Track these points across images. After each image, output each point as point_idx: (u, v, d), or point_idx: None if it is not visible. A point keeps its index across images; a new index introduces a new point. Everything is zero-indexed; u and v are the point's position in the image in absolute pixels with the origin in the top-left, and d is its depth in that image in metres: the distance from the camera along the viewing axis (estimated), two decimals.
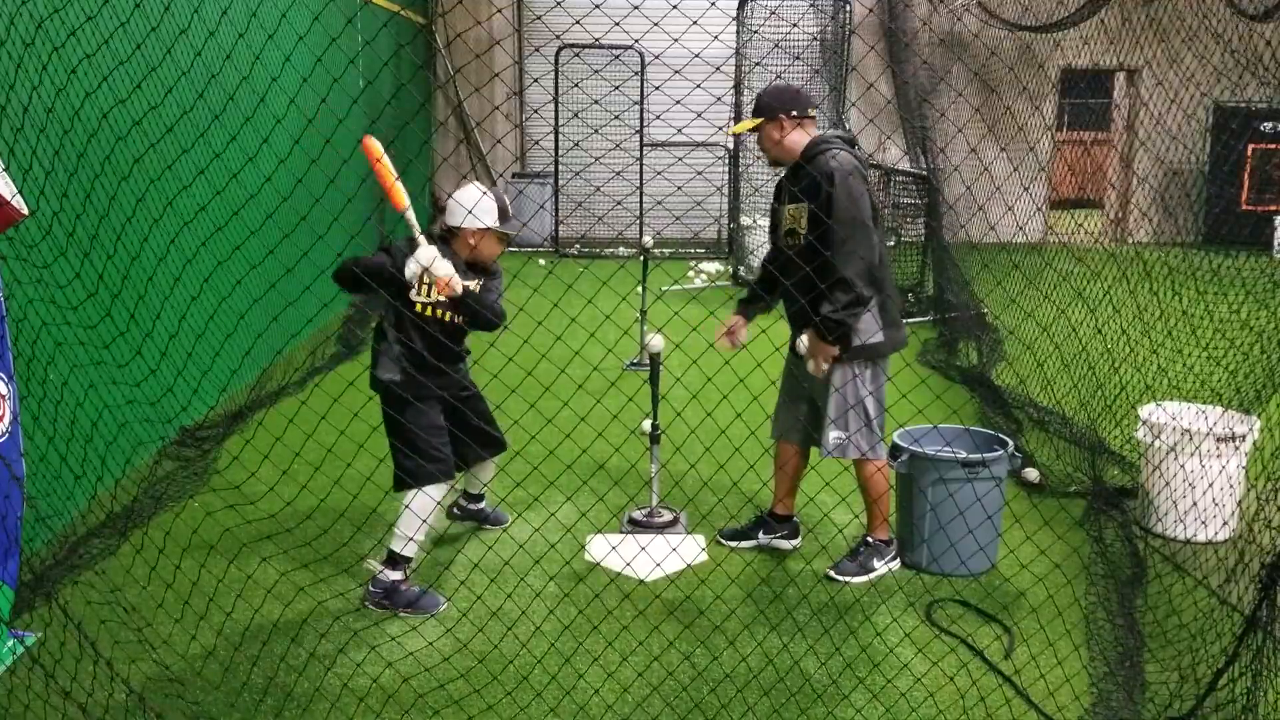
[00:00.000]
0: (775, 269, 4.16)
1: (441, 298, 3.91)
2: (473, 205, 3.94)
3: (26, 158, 3.83)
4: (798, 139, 4.11)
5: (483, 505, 4.73)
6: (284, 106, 3.92)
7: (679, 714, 3.24)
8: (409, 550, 3.94)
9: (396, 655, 3.56)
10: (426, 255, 3.65)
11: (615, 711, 3.26)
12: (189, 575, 3.93)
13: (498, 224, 3.98)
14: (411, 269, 3.70)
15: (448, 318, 4.01)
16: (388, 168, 3.66)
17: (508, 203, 4.07)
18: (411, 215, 3.78)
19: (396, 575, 3.94)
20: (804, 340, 4.05)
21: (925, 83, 10.28)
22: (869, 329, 4.02)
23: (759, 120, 4.13)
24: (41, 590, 3.84)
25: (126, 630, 3.59)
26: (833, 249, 3.84)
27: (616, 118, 10.57)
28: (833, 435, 4.12)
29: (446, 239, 4.00)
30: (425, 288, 3.91)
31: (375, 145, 3.65)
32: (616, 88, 11.02)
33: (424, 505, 3.91)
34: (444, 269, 3.68)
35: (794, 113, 4.09)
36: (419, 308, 3.94)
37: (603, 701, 3.32)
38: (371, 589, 3.95)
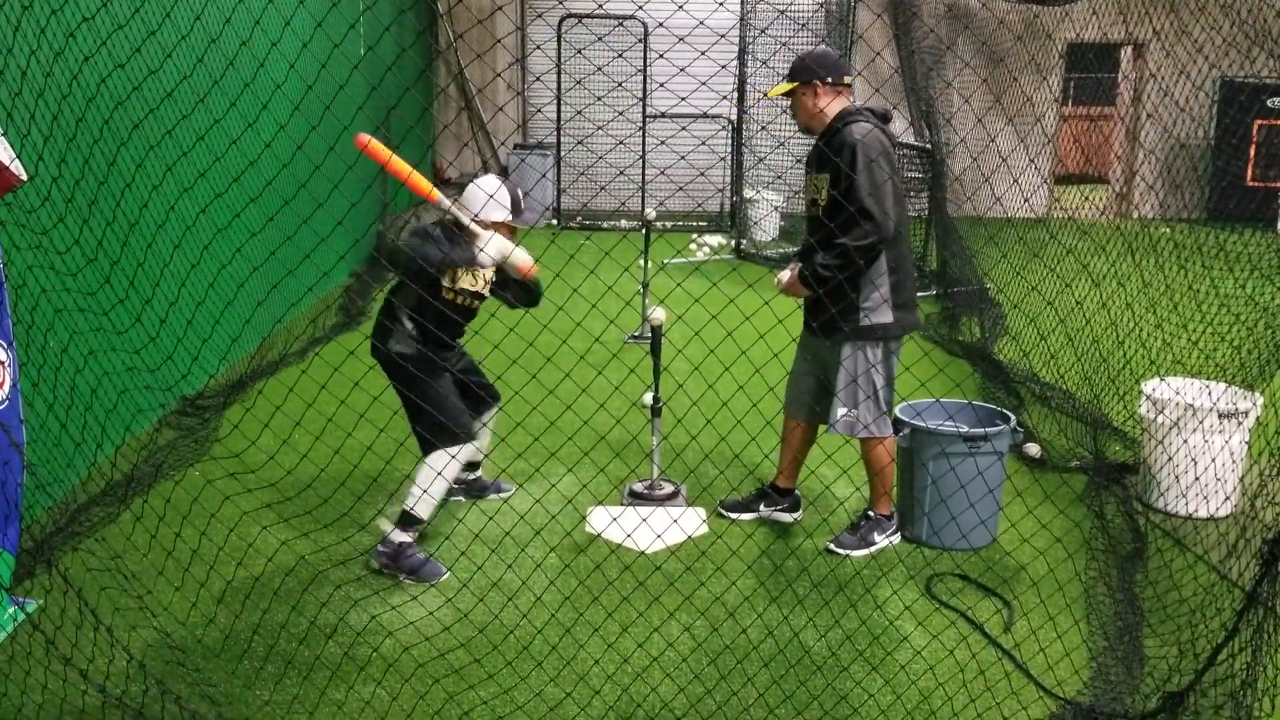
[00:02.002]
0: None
1: (472, 288, 4.09)
2: (486, 202, 3.98)
3: (25, 122, 3.80)
4: (831, 107, 4.06)
5: (479, 474, 4.73)
6: (284, 72, 3.88)
7: (679, 685, 3.25)
8: (423, 510, 3.95)
9: (397, 625, 3.56)
10: (503, 244, 3.80)
11: (615, 682, 3.27)
12: (190, 543, 3.93)
13: (511, 217, 4.04)
14: (489, 256, 3.80)
15: (466, 302, 4.14)
16: (399, 163, 3.73)
17: (520, 195, 4.09)
18: (441, 196, 3.79)
19: (406, 537, 3.95)
20: (786, 273, 4.09)
21: (931, 54, 10.19)
22: (879, 310, 4.00)
23: (793, 85, 4.09)
24: (42, 557, 3.84)
25: (127, 598, 3.60)
26: (842, 222, 3.82)
27: (619, 85, 10.48)
28: (840, 413, 4.11)
29: (458, 225, 4.00)
30: (453, 275, 4.01)
31: (378, 146, 3.69)
32: (620, 55, 10.92)
33: (444, 464, 3.96)
34: (524, 255, 3.76)
35: (829, 80, 4.04)
36: (446, 293, 3.99)
37: (603, 672, 3.32)
38: (380, 548, 3.96)
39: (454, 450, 3.99)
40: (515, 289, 4.19)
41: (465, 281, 4.07)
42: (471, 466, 4.70)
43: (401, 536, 3.95)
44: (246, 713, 3.09)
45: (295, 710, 3.11)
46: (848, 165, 3.85)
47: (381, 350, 4.00)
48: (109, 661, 3.06)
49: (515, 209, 4.07)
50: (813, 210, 4.10)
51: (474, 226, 3.84)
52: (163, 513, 4.18)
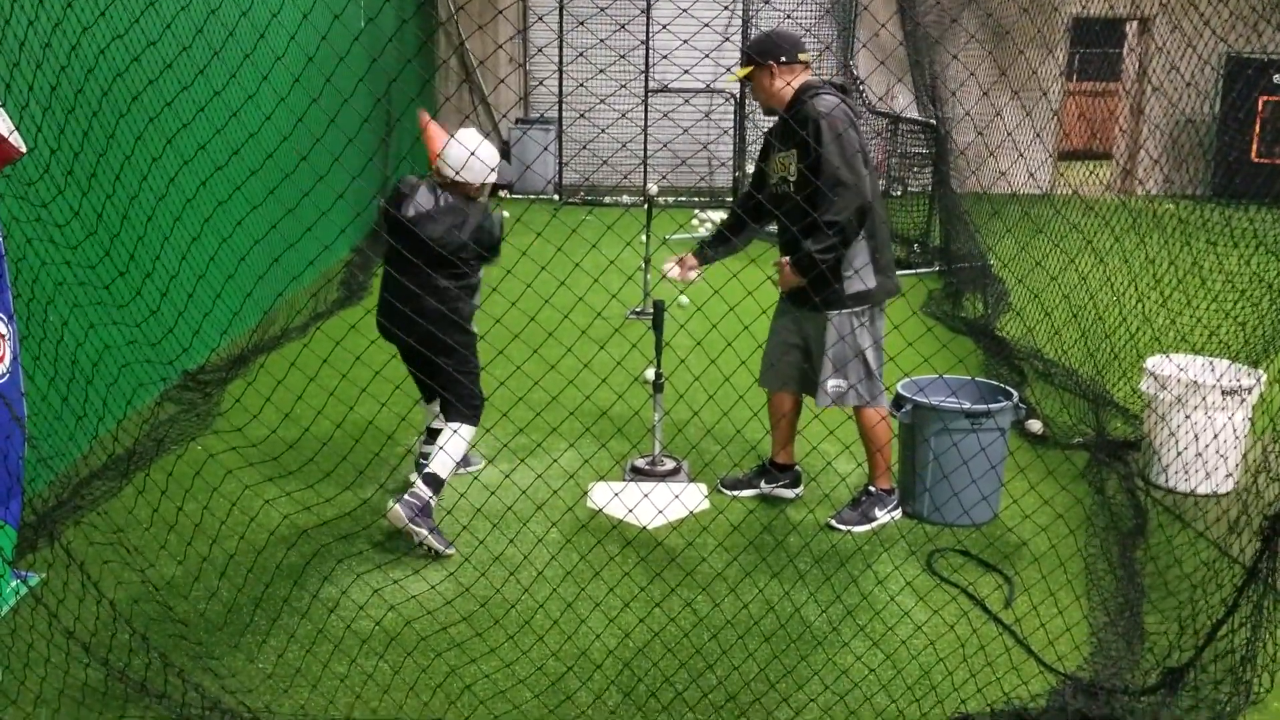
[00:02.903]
0: (752, 216, 4.26)
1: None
2: (472, 155, 4.02)
3: (23, 94, 3.77)
4: (788, 87, 4.07)
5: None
6: (284, 43, 3.85)
7: (680, 659, 3.26)
8: (448, 475, 4.02)
9: (400, 598, 3.57)
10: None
11: (617, 656, 3.28)
12: (192, 517, 3.94)
13: (494, 180, 4.13)
14: (448, 166, 4.02)
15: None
16: (438, 131, 3.87)
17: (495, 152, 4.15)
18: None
19: (432, 497, 3.94)
20: (776, 267, 4.08)
21: (935, 27, 10.11)
22: (863, 274, 4.00)
23: (749, 68, 4.10)
24: (44, 531, 3.84)
25: (129, 571, 3.60)
26: (820, 193, 3.80)
27: (622, 57, 10.42)
28: (831, 384, 4.10)
29: (447, 186, 4.05)
30: None
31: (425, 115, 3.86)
32: (623, 26, 10.86)
33: (470, 435, 4.17)
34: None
35: (783, 59, 4.05)
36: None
37: (604, 646, 3.33)
38: (411, 500, 3.89)
39: (475, 426, 4.15)
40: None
41: None
42: (434, 435, 4.69)
43: (431, 494, 3.94)
44: (249, 685, 3.10)
45: (298, 683, 3.12)
46: (814, 139, 3.84)
47: (437, 331, 4.02)
48: (111, 635, 3.07)
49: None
50: (782, 188, 4.09)
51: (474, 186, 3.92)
52: (165, 486, 4.18)
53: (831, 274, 3.95)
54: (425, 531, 3.86)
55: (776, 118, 4.20)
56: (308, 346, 3.73)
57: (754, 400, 4.45)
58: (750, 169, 11.53)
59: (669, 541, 4.06)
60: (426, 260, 4.00)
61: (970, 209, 8.41)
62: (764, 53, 4.07)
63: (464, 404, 4.16)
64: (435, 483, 3.95)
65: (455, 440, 4.04)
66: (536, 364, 5.03)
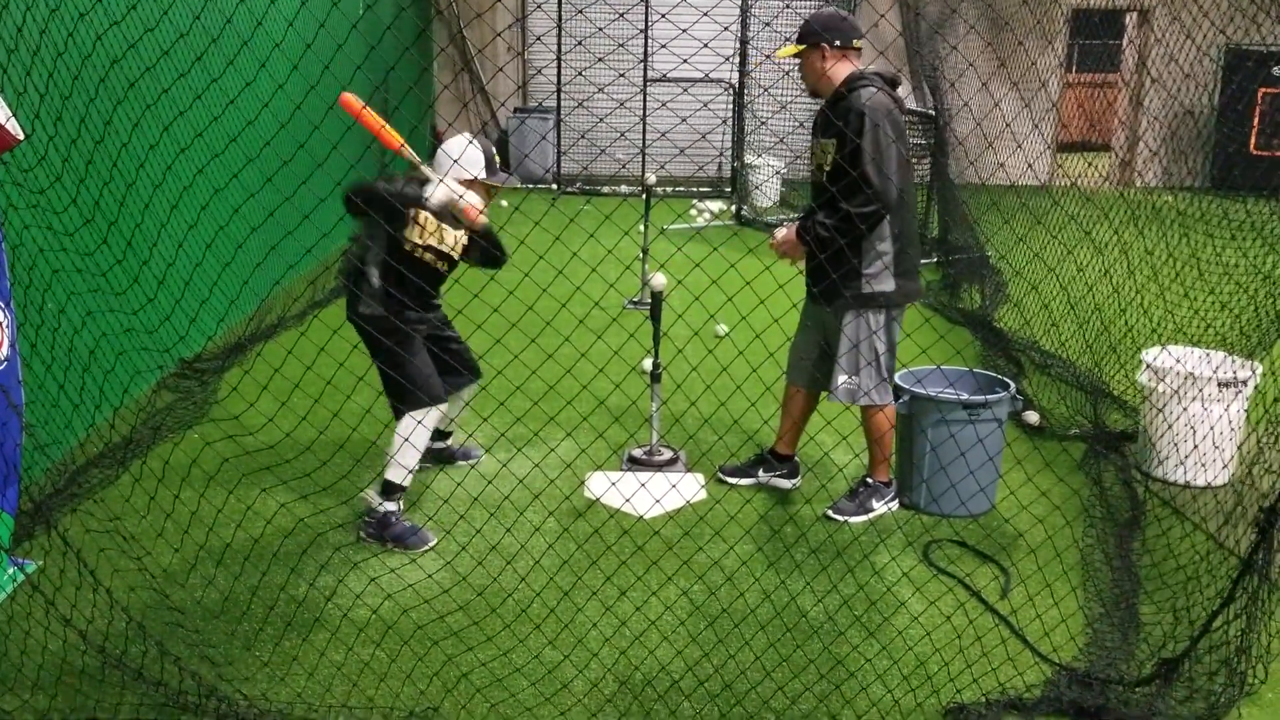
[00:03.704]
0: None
1: (432, 242, 3.96)
2: (459, 155, 3.93)
3: (20, 80, 3.76)
4: (838, 71, 4.01)
5: (449, 443, 4.74)
6: (282, 30, 3.84)
7: (676, 649, 3.26)
8: (397, 476, 3.94)
9: (396, 587, 3.57)
10: (446, 189, 3.67)
11: (613, 645, 3.28)
12: (188, 505, 3.94)
13: (484, 175, 3.96)
14: (435, 201, 3.70)
15: (434, 261, 4.06)
16: (372, 115, 3.71)
17: (494, 153, 4.04)
18: (410, 151, 3.74)
19: (391, 506, 3.95)
20: (782, 230, 4.07)
21: (935, 17, 10.09)
22: (881, 277, 3.99)
23: (801, 47, 4.04)
24: (41, 519, 3.84)
25: (126, 559, 3.60)
26: (845, 187, 3.78)
27: (621, 46, 10.38)
28: (841, 380, 4.10)
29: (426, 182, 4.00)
30: (420, 229, 3.90)
31: (353, 100, 3.73)
32: (622, 15, 10.81)
33: (411, 429, 3.92)
34: (473, 198, 3.70)
35: (838, 43, 3.99)
36: (409, 247, 3.93)
37: (601, 635, 3.34)
38: (366, 519, 3.97)
39: (420, 415, 3.94)
40: (475, 247, 4.11)
41: (433, 238, 3.97)
42: (441, 435, 4.68)
43: (388, 505, 3.94)
44: (246, 674, 3.11)
45: (294, 671, 3.13)
46: (854, 131, 3.81)
47: (362, 315, 3.97)
48: (108, 622, 3.07)
49: (490, 167, 3.99)
50: (818, 176, 4.07)
51: (430, 174, 3.79)
52: (161, 475, 4.19)
53: (850, 271, 3.94)
54: (390, 545, 3.90)
55: (820, 100, 4.13)
56: (305, 335, 3.73)
57: (751, 390, 4.45)
58: (749, 158, 11.51)
59: (666, 531, 4.07)
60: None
61: (968, 200, 8.41)
62: (817, 34, 3.99)
63: (399, 398, 3.98)
64: (389, 489, 3.95)
65: (395, 437, 3.96)
66: (534, 353, 5.03)
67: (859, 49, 4.05)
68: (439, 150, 3.99)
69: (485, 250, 4.09)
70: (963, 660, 3.20)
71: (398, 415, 4.00)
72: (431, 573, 3.66)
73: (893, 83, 4.05)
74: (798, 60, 4.11)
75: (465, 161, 3.93)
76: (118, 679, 2.95)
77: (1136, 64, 13.34)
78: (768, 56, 4.31)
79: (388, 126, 3.79)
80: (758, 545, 3.97)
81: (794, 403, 4.44)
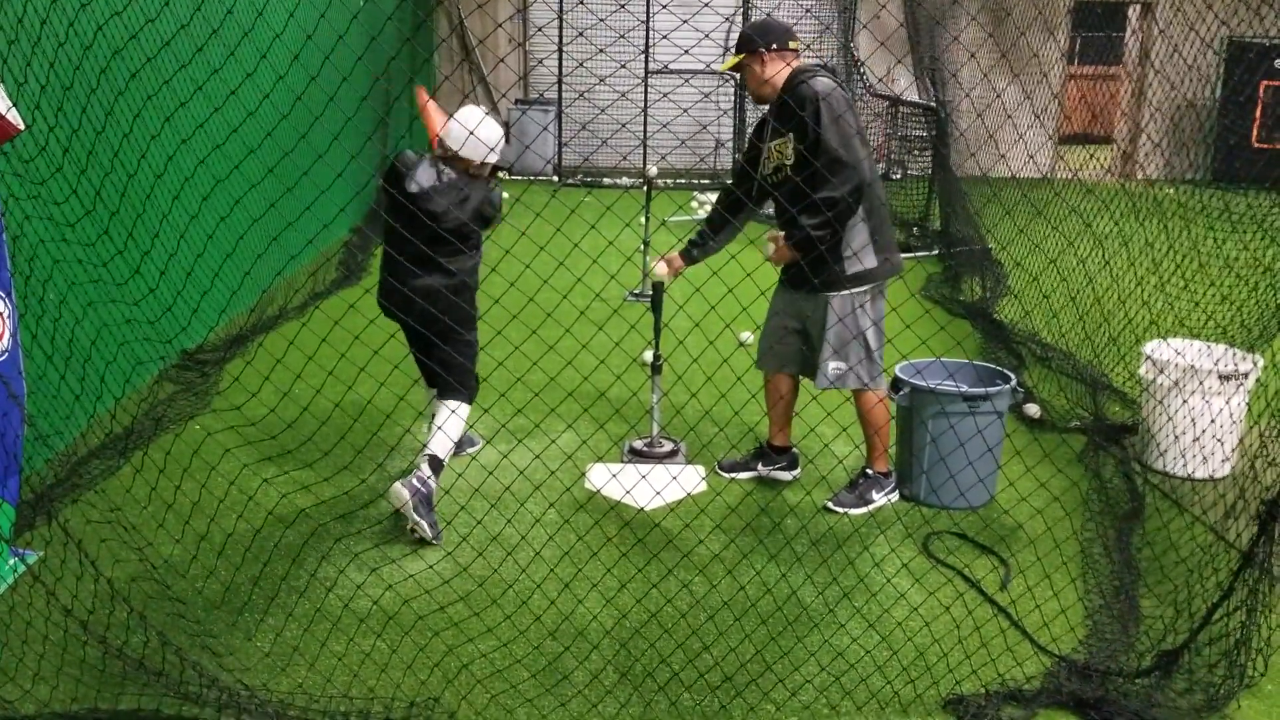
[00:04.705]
0: (733, 212, 4.30)
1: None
2: (477, 132, 4.05)
3: (21, 71, 3.75)
4: (780, 73, 4.06)
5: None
6: (282, 21, 3.83)
7: (676, 640, 3.27)
8: (446, 453, 4.03)
9: (397, 578, 3.58)
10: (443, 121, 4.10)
11: (613, 637, 3.29)
12: (190, 496, 3.94)
13: (494, 158, 4.14)
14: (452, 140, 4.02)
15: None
16: (433, 110, 3.85)
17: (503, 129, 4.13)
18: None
19: (432, 477, 3.94)
20: (771, 246, 4.08)
21: (936, 8, 10.07)
22: (863, 254, 3.99)
23: (741, 56, 4.09)
24: (42, 509, 3.85)
25: (127, 550, 3.61)
26: (819, 174, 3.79)
27: (622, 37, 10.36)
28: (832, 366, 4.10)
29: (449, 160, 4.04)
30: None
31: (423, 93, 3.88)
32: (623, 5, 10.79)
33: (467, 414, 4.19)
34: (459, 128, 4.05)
35: (774, 45, 4.03)
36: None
37: (601, 627, 3.34)
38: (417, 484, 3.87)
39: (464, 408, 4.15)
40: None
41: None
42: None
43: (430, 477, 3.93)
44: (247, 664, 3.11)
45: (295, 662, 3.13)
46: (811, 117, 3.84)
47: (435, 310, 4.03)
48: (109, 613, 3.08)
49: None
50: (777, 177, 4.08)
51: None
52: (163, 465, 4.19)
53: (830, 255, 3.95)
54: (420, 519, 3.86)
55: (768, 107, 4.17)
56: (306, 326, 3.73)
57: (752, 383, 4.45)
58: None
59: (666, 523, 4.07)
60: (426, 238, 3.97)
61: (969, 192, 8.40)
62: (752, 41, 4.05)
63: (461, 384, 4.17)
64: (436, 465, 3.95)
65: (454, 420, 4.04)
66: (535, 345, 5.03)
67: (796, 50, 4.09)
68: (454, 123, 4.09)
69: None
70: (962, 651, 3.21)
71: (451, 396, 4.14)
72: (432, 564, 3.67)
73: (833, 71, 4.13)
74: (736, 74, 4.19)
75: (486, 140, 4.09)
76: (119, 669, 2.95)
77: (1139, 56, 13.31)
78: (725, 52, 4.35)
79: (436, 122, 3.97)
80: (758, 537, 3.97)
81: (774, 390, 4.43)
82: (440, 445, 3.98)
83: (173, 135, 5.03)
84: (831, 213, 3.82)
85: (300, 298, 6.89)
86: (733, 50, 4.20)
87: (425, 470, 3.90)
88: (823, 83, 3.92)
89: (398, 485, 3.83)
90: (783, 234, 4.02)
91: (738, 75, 4.25)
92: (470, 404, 4.21)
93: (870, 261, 4.01)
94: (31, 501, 3.84)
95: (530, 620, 3.35)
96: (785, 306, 4.28)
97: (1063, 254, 5.77)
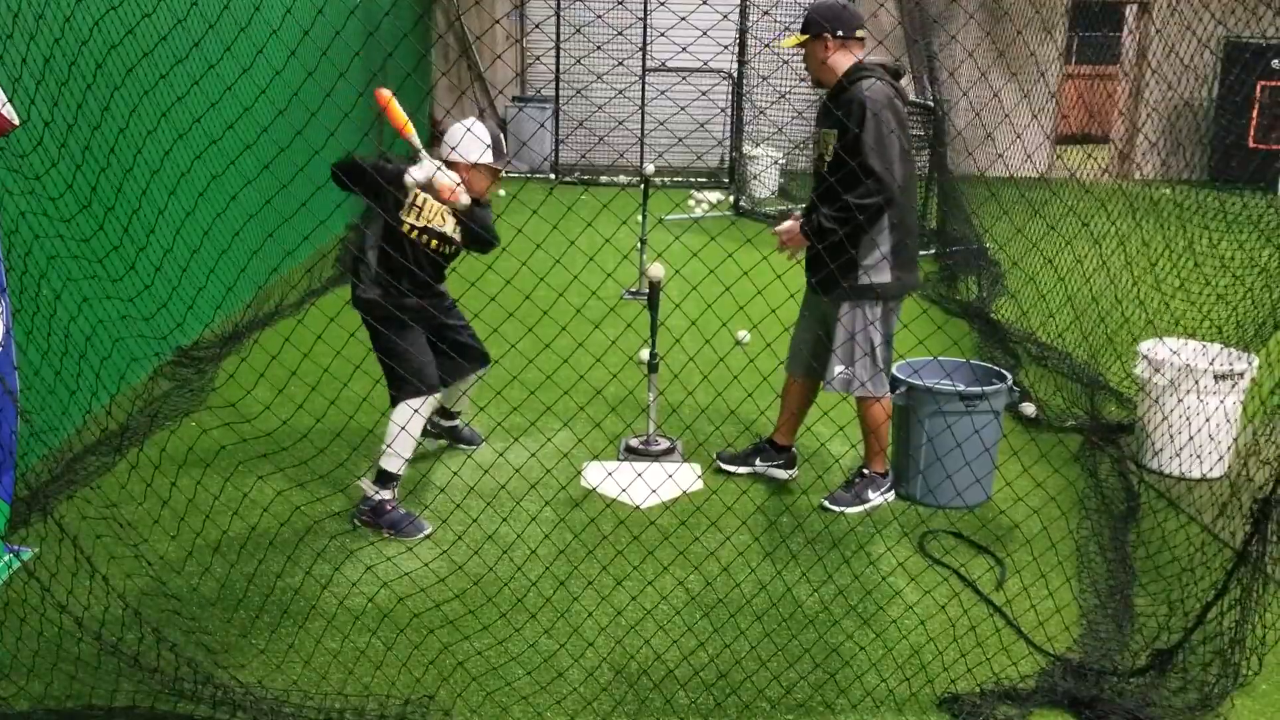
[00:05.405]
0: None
1: (431, 225, 3.93)
2: (464, 138, 3.95)
3: (16, 66, 3.74)
4: (841, 61, 4.01)
5: (456, 423, 4.73)
6: (280, 17, 3.83)
7: (672, 638, 3.27)
8: (395, 467, 3.95)
9: (392, 575, 3.58)
10: (429, 167, 3.64)
11: (609, 635, 3.29)
12: (185, 493, 3.94)
13: (490, 160, 3.99)
14: (414, 177, 3.69)
15: (434, 245, 4.04)
16: (396, 109, 3.73)
17: (502, 138, 4.04)
18: (413, 135, 3.75)
19: (385, 494, 3.95)
20: (787, 224, 4.06)
21: (934, 7, 10.07)
22: (879, 268, 3.98)
23: (804, 37, 4.04)
24: (37, 506, 3.84)
25: (123, 546, 3.60)
26: (851, 176, 3.78)
27: (619, 34, 10.35)
28: (838, 370, 4.11)
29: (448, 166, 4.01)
30: (417, 210, 3.90)
31: (384, 93, 3.78)
32: (621, 2, 10.78)
33: (406, 418, 3.91)
34: (450, 176, 3.68)
35: (840, 33, 3.99)
36: (406, 229, 3.94)
37: (596, 625, 3.34)
38: (361, 505, 3.98)
39: (415, 403, 3.95)
40: (464, 231, 4.06)
41: (431, 218, 3.97)
42: (447, 414, 4.68)
43: (383, 493, 3.95)
44: (242, 661, 3.11)
45: (290, 659, 3.13)
46: (855, 122, 3.81)
47: (363, 300, 4.00)
48: (105, 609, 3.08)
49: (495, 151, 3.99)
50: (819, 166, 4.07)
51: (423, 154, 3.79)
52: (158, 462, 4.18)
53: (847, 264, 3.94)
54: (386, 530, 3.91)
55: (823, 90, 4.13)
56: (302, 323, 3.72)
57: (748, 380, 4.45)
58: (747, 148, 11.48)
59: (662, 521, 4.07)
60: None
61: (966, 191, 8.40)
62: (818, 24, 3.98)
63: (390, 383, 4.00)
64: (384, 477, 3.95)
65: (390, 425, 3.95)
66: (531, 343, 5.03)
67: (862, 39, 4.05)
68: (446, 132, 4.03)
69: (472, 232, 4.00)
70: (957, 650, 3.21)
71: (394, 403, 4.00)
72: (428, 561, 3.67)
73: (896, 74, 4.04)
74: (800, 50, 4.11)
75: (473, 145, 3.94)
76: (114, 666, 2.95)
77: (1136, 56, 13.32)
78: (767, 45, 4.30)
79: (409, 125, 3.84)
80: (754, 535, 3.97)
81: (792, 393, 4.44)
82: (387, 459, 3.95)
83: (169, 131, 5.02)
84: (845, 215, 3.81)
85: (296, 294, 6.88)
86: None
87: (367, 489, 3.95)
88: (879, 90, 3.86)
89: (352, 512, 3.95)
90: (800, 218, 4.01)
91: (800, 55, 4.12)
92: (414, 396, 3.94)
93: (885, 276, 4.00)
94: (26, 498, 3.84)
95: (526, 618, 3.35)
96: (811, 310, 4.29)
97: (1059, 253, 5.77)
